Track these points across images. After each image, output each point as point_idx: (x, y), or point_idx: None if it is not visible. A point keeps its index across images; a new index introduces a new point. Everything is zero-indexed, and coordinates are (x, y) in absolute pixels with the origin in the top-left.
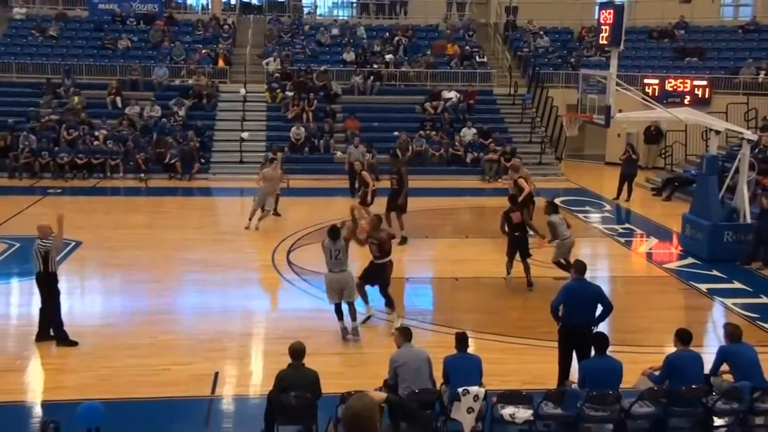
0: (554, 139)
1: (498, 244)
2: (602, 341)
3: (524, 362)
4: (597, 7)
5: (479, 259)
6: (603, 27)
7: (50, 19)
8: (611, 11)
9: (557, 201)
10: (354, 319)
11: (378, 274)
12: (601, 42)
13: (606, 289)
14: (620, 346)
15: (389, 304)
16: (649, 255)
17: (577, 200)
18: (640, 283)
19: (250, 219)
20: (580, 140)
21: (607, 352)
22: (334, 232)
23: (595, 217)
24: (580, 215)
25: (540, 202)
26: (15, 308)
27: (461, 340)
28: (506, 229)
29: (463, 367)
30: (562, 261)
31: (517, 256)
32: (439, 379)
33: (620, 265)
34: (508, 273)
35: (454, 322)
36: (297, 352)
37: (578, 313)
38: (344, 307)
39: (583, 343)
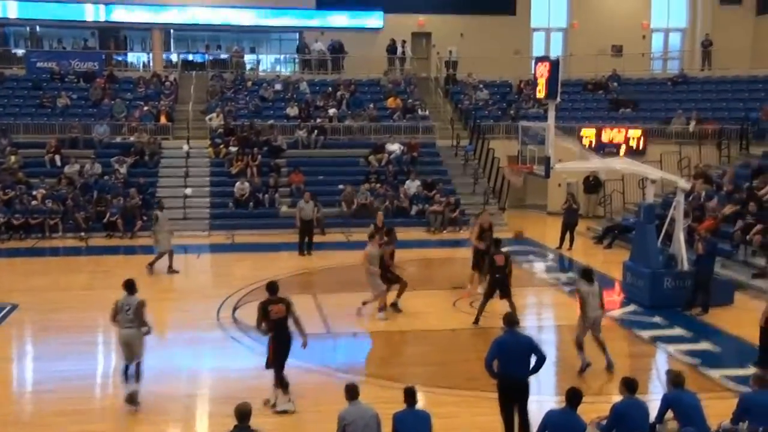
0: (497, 189)
1: (445, 296)
2: (573, 396)
3: (475, 415)
4: (533, 62)
5: (426, 312)
6: (540, 80)
7: None
8: (547, 65)
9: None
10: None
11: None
12: (538, 95)
13: (552, 338)
14: (589, 396)
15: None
16: None
17: (520, 250)
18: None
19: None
20: (522, 190)
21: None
22: (129, 286)
23: (539, 266)
24: (524, 264)
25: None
26: None
27: (410, 395)
28: (488, 270)
29: (413, 423)
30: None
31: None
32: None
33: (565, 313)
34: (478, 317)
35: (402, 376)
36: (243, 413)
37: (513, 366)
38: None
39: (522, 396)
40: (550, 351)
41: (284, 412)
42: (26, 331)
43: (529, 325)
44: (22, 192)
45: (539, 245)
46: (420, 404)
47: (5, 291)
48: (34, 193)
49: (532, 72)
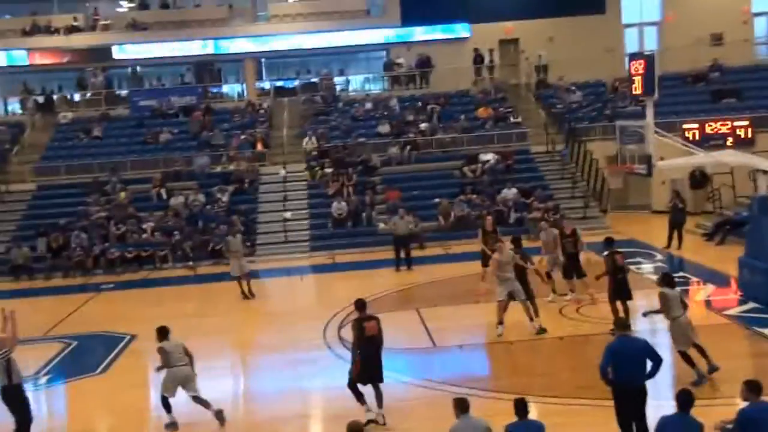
0: (597, 192)
1: (548, 304)
2: (686, 399)
3: (588, 424)
4: (627, 59)
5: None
6: (635, 77)
7: (94, 120)
8: (642, 61)
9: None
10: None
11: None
12: (634, 92)
13: (666, 341)
14: None
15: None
16: (707, 302)
17: (626, 252)
18: (701, 333)
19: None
20: (624, 191)
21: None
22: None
23: (647, 267)
24: (632, 267)
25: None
26: (72, 407)
27: (521, 406)
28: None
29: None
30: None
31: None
32: None
33: None
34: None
35: (512, 387)
36: (355, 430)
37: (628, 371)
38: None
39: (640, 402)
40: (666, 355)
41: (374, 422)
42: (146, 360)
43: (642, 329)
44: (132, 226)
45: (646, 246)
46: (531, 415)
47: (123, 322)
48: (144, 226)
49: (627, 69)
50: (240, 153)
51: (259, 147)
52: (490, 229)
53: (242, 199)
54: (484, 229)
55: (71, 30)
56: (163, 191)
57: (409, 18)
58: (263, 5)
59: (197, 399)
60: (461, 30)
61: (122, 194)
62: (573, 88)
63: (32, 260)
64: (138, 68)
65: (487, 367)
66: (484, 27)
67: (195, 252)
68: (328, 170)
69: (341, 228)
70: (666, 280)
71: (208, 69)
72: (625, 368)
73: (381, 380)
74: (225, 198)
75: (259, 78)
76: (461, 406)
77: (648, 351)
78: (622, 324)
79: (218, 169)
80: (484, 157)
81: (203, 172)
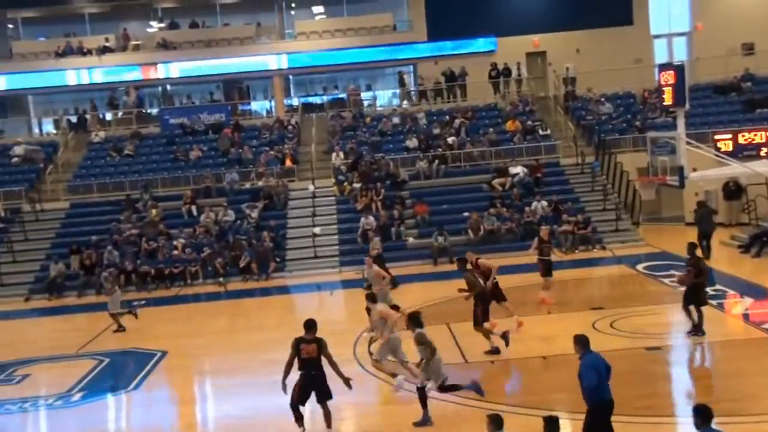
0: (629, 204)
1: (583, 317)
2: (706, 413)
3: None
4: (656, 69)
5: (565, 335)
6: (665, 88)
7: (126, 138)
8: (672, 72)
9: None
10: None
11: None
12: (665, 103)
13: (704, 356)
14: (726, 417)
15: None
16: (745, 316)
17: (660, 265)
18: (740, 347)
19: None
20: (656, 203)
21: (713, 425)
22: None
23: None
24: (666, 280)
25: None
26: (104, 424)
27: (552, 423)
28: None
29: None
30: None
31: None
32: None
33: (716, 329)
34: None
35: (545, 403)
36: None
37: (605, 386)
38: None
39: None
40: (702, 371)
41: None
42: (177, 376)
43: (678, 343)
44: (164, 243)
45: (680, 258)
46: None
47: (155, 338)
48: (175, 243)
49: (657, 80)
50: (269, 169)
51: (288, 163)
52: (546, 239)
53: (271, 215)
54: (540, 239)
55: (103, 50)
56: (193, 208)
57: (435, 33)
58: (290, 23)
59: None
60: (488, 44)
61: (153, 211)
62: (602, 99)
63: (65, 277)
64: (168, 87)
65: (520, 383)
66: (510, 40)
67: (225, 268)
68: (357, 185)
69: (369, 243)
70: (416, 321)
71: (236, 86)
72: (604, 382)
73: (329, 398)
74: (254, 214)
75: (288, 94)
76: (495, 422)
77: (605, 362)
78: (586, 341)
79: (247, 185)
80: (513, 170)
81: (233, 189)
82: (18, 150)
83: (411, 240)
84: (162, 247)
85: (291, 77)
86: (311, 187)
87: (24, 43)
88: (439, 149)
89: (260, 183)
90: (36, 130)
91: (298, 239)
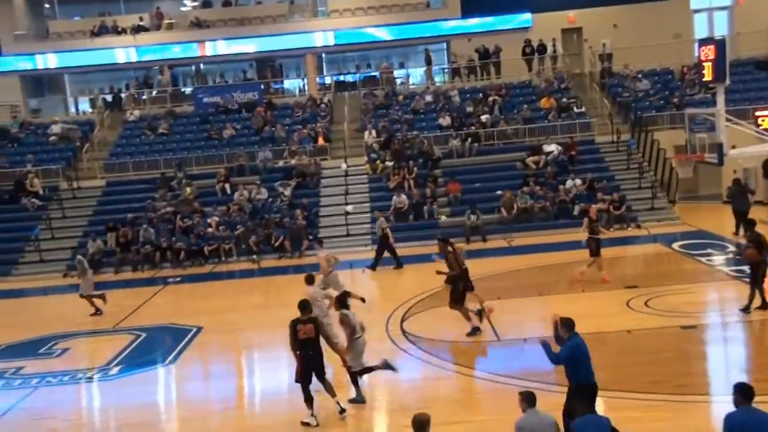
0: (665, 182)
1: (617, 295)
2: (747, 391)
3: (658, 420)
4: (696, 45)
5: (599, 314)
6: (705, 64)
7: (160, 117)
8: (712, 47)
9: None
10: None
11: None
12: (704, 79)
13: (742, 335)
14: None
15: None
16: None
17: (697, 243)
18: None
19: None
20: (693, 181)
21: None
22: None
23: (718, 259)
24: (703, 259)
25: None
26: (142, 397)
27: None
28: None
29: (592, 430)
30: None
31: None
32: None
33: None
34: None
35: None
36: (421, 423)
37: (589, 368)
38: None
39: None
40: (739, 349)
41: (307, 424)
42: (212, 351)
43: (714, 322)
44: (198, 220)
45: (717, 237)
46: (598, 409)
47: (190, 314)
48: (209, 220)
49: (696, 56)
50: (302, 147)
51: (321, 141)
52: (594, 218)
53: (304, 193)
54: (590, 218)
55: (137, 30)
56: (227, 186)
57: (469, 9)
58: (323, 0)
59: None
60: (522, 20)
61: (188, 189)
62: (639, 76)
63: (103, 254)
64: (201, 65)
65: None
66: (545, 16)
67: (258, 246)
68: (389, 163)
69: (402, 221)
70: (342, 302)
71: (269, 65)
72: (587, 364)
73: (324, 375)
74: (287, 192)
75: (320, 73)
76: (528, 400)
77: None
78: (572, 324)
79: (280, 163)
80: (547, 148)
81: (266, 167)
82: (55, 129)
83: (443, 218)
84: (196, 225)
85: (324, 55)
86: (344, 166)
87: (60, 23)
88: (472, 127)
89: (293, 161)
90: (72, 109)
91: (330, 217)
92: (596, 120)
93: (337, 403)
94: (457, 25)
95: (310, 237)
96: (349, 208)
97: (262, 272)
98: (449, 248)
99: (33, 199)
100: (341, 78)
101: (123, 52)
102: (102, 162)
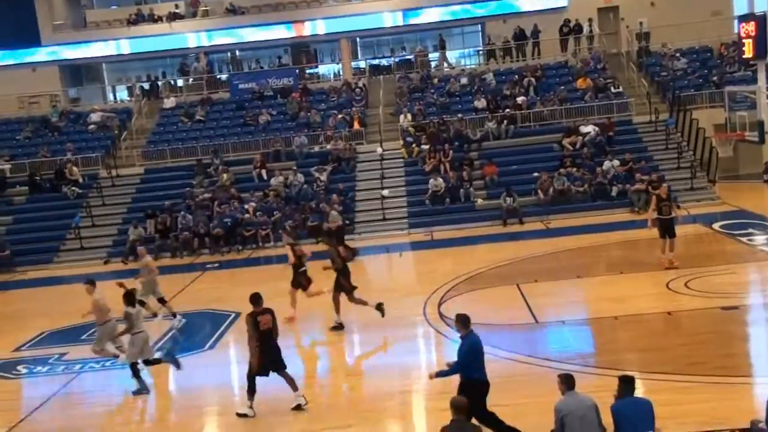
0: (704, 162)
1: (656, 277)
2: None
3: (700, 401)
4: (736, 21)
5: (638, 295)
6: (745, 41)
7: (197, 104)
8: (753, 23)
9: None
10: None
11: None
12: (744, 56)
13: None
14: None
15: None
16: None
17: (737, 223)
18: None
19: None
20: (733, 160)
21: None
22: None
23: (760, 239)
24: (744, 239)
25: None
26: (182, 382)
27: (627, 383)
28: None
29: (633, 413)
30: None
31: None
32: (608, 426)
33: None
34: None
35: (618, 363)
36: (459, 406)
37: (483, 368)
38: None
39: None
40: None
41: (244, 415)
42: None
43: (755, 302)
44: (235, 206)
45: (758, 216)
46: (638, 392)
47: (228, 300)
48: (246, 206)
49: (736, 33)
50: (337, 132)
51: (356, 126)
52: (665, 197)
53: (340, 178)
54: (659, 197)
55: (173, 17)
56: (263, 172)
57: None
58: None
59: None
60: (558, 0)
61: (225, 176)
62: (677, 54)
63: (143, 241)
64: (237, 52)
65: (592, 343)
66: None
67: (295, 231)
68: (425, 147)
69: (439, 204)
70: (128, 298)
71: (304, 50)
72: (480, 362)
73: (284, 367)
74: (323, 177)
75: (355, 57)
76: (567, 382)
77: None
78: (467, 321)
79: (316, 148)
80: (584, 129)
81: (302, 152)
82: (94, 117)
83: (480, 201)
84: (234, 211)
85: (358, 39)
86: (379, 150)
87: (97, 12)
88: (508, 109)
89: (329, 146)
90: (111, 97)
91: (366, 201)
92: (634, 100)
93: (301, 397)
94: (493, 6)
95: (347, 222)
96: (385, 192)
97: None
98: (333, 243)
99: (73, 188)
100: (376, 62)
101: (159, 39)
102: (140, 150)
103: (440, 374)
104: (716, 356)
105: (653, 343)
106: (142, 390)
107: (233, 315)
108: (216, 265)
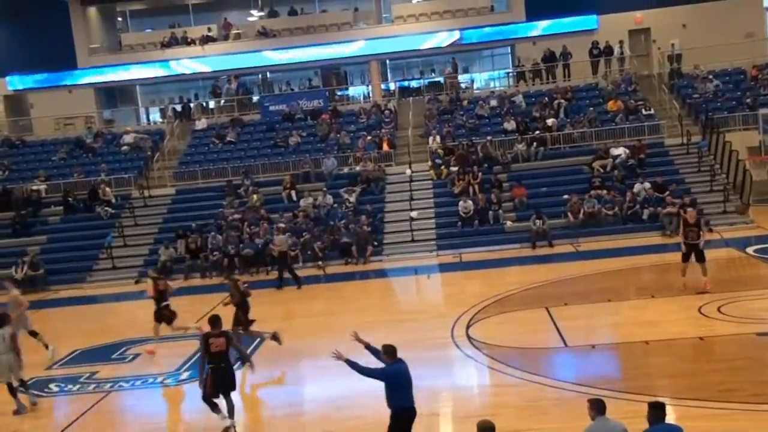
0: (738, 185)
1: (688, 301)
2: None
3: (733, 429)
4: None
5: (669, 320)
6: None
7: (228, 126)
8: None
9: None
10: None
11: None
12: None
13: None
14: None
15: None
16: None
17: None
18: None
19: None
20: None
21: None
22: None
23: None
24: None
25: None
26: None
27: (658, 409)
28: None
29: None
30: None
31: None
32: None
33: None
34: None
35: (649, 389)
36: (485, 429)
37: (408, 395)
38: None
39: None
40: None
41: (228, 428)
42: (280, 356)
43: None
44: (265, 227)
45: None
46: (670, 418)
47: (258, 320)
48: (275, 227)
49: None
50: (366, 154)
51: (385, 147)
52: (692, 222)
53: (369, 199)
54: (686, 222)
55: (206, 40)
56: (293, 193)
57: (534, 12)
58: (387, 7)
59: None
60: (589, 22)
61: (255, 196)
62: (710, 76)
63: (174, 261)
64: (268, 74)
65: (622, 368)
66: (612, 17)
67: (324, 252)
68: (454, 169)
69: (468, 227)
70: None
71: (334, 72)
72: (405, 390)
73: (233, 389)
74: (352, 198)
75: (384, 79)
76: (597, 407)
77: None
78: (394, 351)
79: (345, 170)
80: (614, 151)
81: (331, 174)
82: (127, 138)
83: (509, 224)
84: (263, 232)
85: (388, 61)
86: (408, 171)
87: (132, 36)
88: (537, 131)
89: (358, 167)
90: (144, 119)
91: (395, 223)
92: (665, 122)
93: (233, 426)
94: (522, 28)
95: (375, 243)
96: (414, 213)
97: (328, 278)
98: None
99: (106, 208)
100: (405, 84)
101: (192, 62)
102: (172, 170)
103: (349, 362)
104: (750, 383)
105: (685, 368)
106: (20, 410)
107: (263, 335)
108: (245, 285)
